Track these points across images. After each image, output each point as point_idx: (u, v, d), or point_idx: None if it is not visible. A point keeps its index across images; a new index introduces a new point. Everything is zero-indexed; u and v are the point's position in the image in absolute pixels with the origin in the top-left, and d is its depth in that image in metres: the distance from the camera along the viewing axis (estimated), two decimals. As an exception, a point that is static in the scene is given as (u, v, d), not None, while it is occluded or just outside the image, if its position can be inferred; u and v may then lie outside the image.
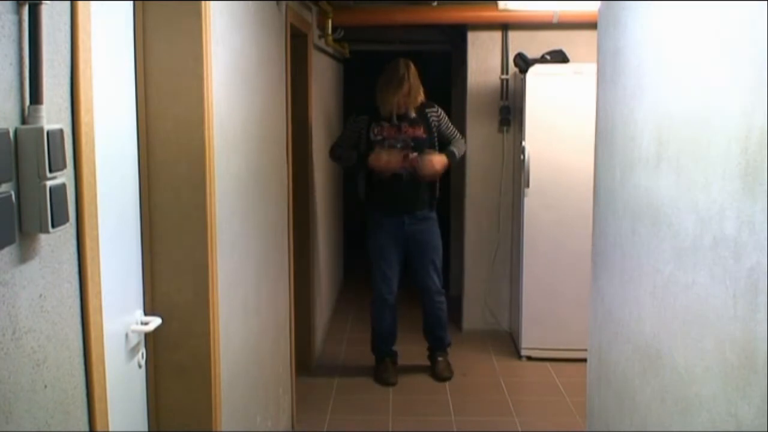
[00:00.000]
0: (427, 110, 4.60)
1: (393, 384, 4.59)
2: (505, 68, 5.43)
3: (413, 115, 4.54)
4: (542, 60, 4.99)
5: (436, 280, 4.66)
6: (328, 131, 5.76)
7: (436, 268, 4.65)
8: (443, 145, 4.61)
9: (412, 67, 4.56)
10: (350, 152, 4.61)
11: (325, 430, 4.00)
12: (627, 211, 2.28)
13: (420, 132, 4.53)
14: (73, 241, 1.47)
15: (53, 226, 1.31)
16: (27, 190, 1.28)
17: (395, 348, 4.82)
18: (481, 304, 5.60)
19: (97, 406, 1.54)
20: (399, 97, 4.49)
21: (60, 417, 1.41)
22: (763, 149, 1.40)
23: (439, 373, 4.67)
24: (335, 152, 4.73)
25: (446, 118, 4.69)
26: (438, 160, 4.49)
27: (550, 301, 4.92)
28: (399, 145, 4.50)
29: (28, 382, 1.30)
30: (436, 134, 4.58)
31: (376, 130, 4.54)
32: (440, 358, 4.75)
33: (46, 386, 1.36)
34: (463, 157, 4.95)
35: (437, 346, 4.79)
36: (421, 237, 4.59)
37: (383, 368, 4.71)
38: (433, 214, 4.64)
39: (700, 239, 1.70)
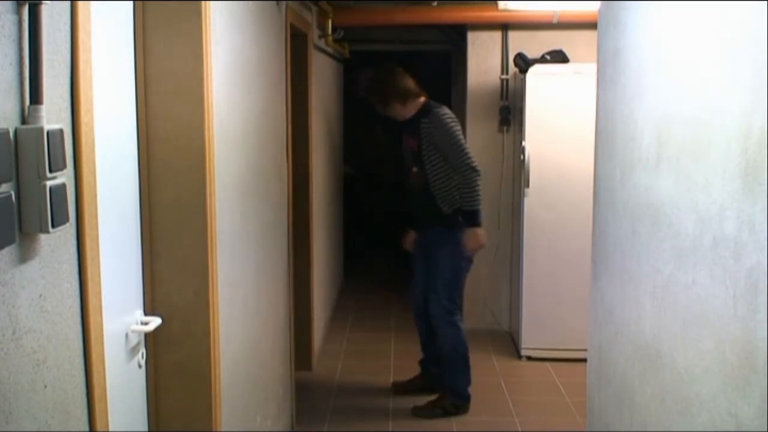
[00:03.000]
0: (422, 119, 4.06)
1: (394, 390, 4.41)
2: (505, 68, 5.43)
3: (408, 117, 4.15)
4: (542, 60, 4.99)
5: (436, 305, 4.12)
6: (328, 131, 5.76)
7: (437, 292, 4.10)
8: (451, 166, 4.00)
9: (377, 75, 4.22)
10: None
11: (325, 430, 4.00)
12: (627, 211, 2.28)
13: (415, 143, 4.09)
14: (73, 241, 1.47)
15: (53, 226, 1.31)
16: (27, 190, 1.28)
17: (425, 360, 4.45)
18: (481, 304, 5.60)
19: (97, 406, 1.54)
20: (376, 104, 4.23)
21: (60, 417, 1.41)
22: (763, 149, 1.40)
23: (420, 409, 4.19)
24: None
25: (447, 133, 3.98)
26: (471, 240, 4.02)
27: (550, 301, 4.92)
28: (408, 158, 4.18)
29: (28, 382, 1.30)
30: (427, 148, 4.00)
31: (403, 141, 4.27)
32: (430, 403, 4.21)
33: (46, 386, 1.36)
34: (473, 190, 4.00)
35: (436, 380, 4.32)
36: (432, 257, 4.15)
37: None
38: (450, 234, 4.05)
39: (700, 239, 1.70)
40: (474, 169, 3.96)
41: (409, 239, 4.31)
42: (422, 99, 4.17)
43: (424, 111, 4.10)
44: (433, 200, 4.06)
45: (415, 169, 4.12)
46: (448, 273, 4.10)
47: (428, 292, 4.18)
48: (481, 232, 4.04)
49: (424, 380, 4.42)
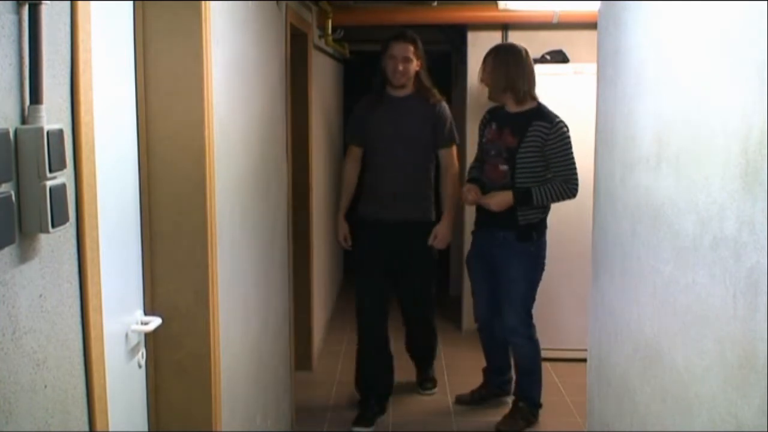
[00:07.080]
0: (536, 122, 3.81)
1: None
2: (505, 68, 5.42)
3: (516, 110, 3.89)
4: (542, 60, 4.99)
5: (513, 318, 3.99)
6: (328, 131, 5.76)
7: (514, 307, 3.98)
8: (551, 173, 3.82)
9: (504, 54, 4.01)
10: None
11: (325, 430, 4.00)
12: (627, 211, 2.28)
13: (514, 142, 3.82)
14: (73, 241, 1.47)
15: (53, 226, 1.31)
16: (27, 190, 1.28)
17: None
18: (481, 304, 5.58)
19: (97, 406, 1.54)
20: (483, 78, 4.00)
21: (60, 417, 1.41)
22: (763, 149, 1.40)
23: (502, 425, 4.05)
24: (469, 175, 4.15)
25: (562, 144, 3.76)
26: (495, 201, 3.86)
27: (550, 301, 4.92)
28: (493, 152, 3.91)
29: (28, 382, 1.30)
30: (531, 152, 3.79)
31: (486, 131, 4.03)
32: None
33: (46, 386, 1.36)
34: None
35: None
36: (500, 267, 4.02)
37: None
38: (523, 247, 3.92)
39: (700, 239, 1.70)
40: (574, 189, 3.80)
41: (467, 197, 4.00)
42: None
43: (540, 113, 3.85)
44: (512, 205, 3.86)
45: (503, 167, 3.87)
46: (524, 288, 3.95)
47: (497, 303, 4.04)
48: (502, 200, 3.83)
49: (488, 389, 4.36)
